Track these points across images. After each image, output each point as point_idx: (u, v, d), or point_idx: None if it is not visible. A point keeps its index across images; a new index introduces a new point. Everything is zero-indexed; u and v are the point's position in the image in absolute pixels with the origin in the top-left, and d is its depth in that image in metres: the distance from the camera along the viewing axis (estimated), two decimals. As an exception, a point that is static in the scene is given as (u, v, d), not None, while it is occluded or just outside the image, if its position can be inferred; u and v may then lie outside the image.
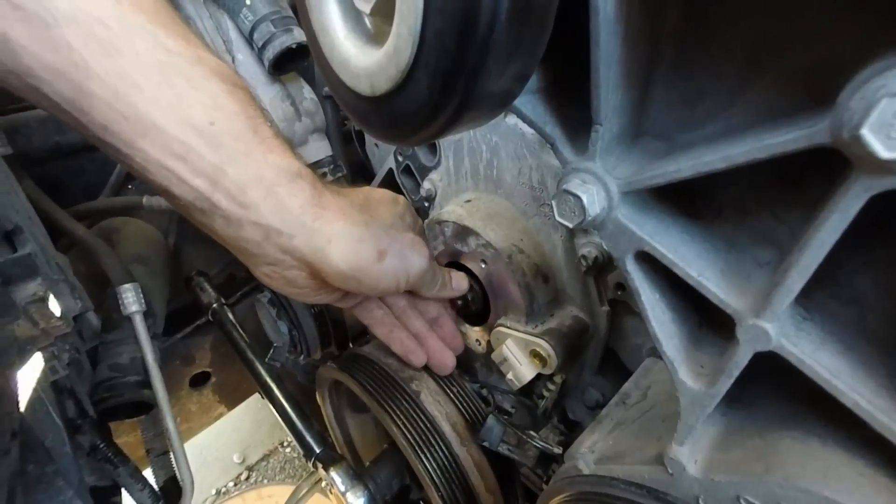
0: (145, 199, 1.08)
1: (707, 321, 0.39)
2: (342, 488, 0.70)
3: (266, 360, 0.92)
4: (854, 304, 0.32)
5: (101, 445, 0.66)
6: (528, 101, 0.36)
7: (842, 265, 0.31)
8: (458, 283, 0.67)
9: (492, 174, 0.66)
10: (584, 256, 0.56)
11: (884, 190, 0.22)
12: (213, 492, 2.49)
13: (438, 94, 0.26)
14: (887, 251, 0.29)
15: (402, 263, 0.54)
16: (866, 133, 0.20)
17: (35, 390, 0.55)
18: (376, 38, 0.30)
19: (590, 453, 0.45)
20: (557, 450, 0.56)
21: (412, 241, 0.56)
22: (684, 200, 0.37)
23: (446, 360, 0.69)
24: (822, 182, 0.25)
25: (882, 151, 0.20)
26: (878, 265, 0.30)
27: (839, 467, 0.30)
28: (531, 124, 0.36)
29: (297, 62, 0.86)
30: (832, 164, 0.24)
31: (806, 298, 0.32)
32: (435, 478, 0.63)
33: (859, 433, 0.32)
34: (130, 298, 0.82)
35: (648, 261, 0.34)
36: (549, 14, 0.25)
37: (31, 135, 1.03)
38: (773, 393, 0.38)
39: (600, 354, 0.63)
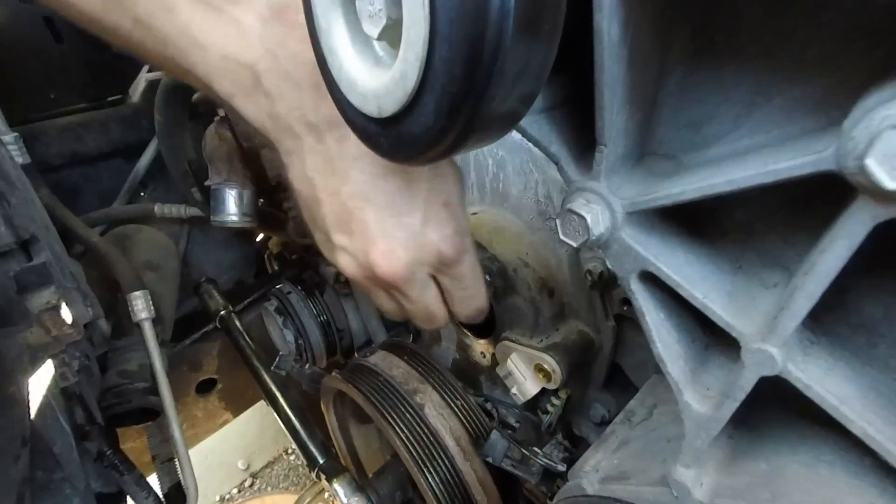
0: (157, 207, 1.10)
1: (714, 342, 0.39)
2: (344, 500, 0.70)
3: (272, 367, 0.92)
4: (863, 330, 0.31)
5: (108, 452, 0.66)
6: (534, 120, 0.36)
7: (850, 289, 0.31)
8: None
9: (498, 188, 0.67)
10: (589, 271, 0.55)
11: (889, 218, 0.22)
12: (217, 498, 2.49)
13: (444, 117, 0.26)
14: (896, 280, 0.29)
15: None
16: (871, 163, 0.20)
17: (45, 397, 0.56)
18: (384, 61, 0.30)
19: (594, 472, 0.44)
20: (561, 467, 0.55)
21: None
22: (690, 220, 0.36)
23: None
24: (830, 206, 0.25)
25: (888, 182, 0.20)
26: (888, 292, 0.30)
27: (848, 497, 0.30)
28: (536, 144, 0.37)
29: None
30: (840, 187, 0.24)
31: (814, 322, 0.31)
32: (437, 492, 0.63)
33: (869, 461, 0.31)
34: (140, 305, 0.83)
35: (653, 281, 0.34)
36: (554, 40, 0.26)
37: (50, 143, 1.06)
38: (781, 416, 0.37)
39: (606, 370, 0.63)
